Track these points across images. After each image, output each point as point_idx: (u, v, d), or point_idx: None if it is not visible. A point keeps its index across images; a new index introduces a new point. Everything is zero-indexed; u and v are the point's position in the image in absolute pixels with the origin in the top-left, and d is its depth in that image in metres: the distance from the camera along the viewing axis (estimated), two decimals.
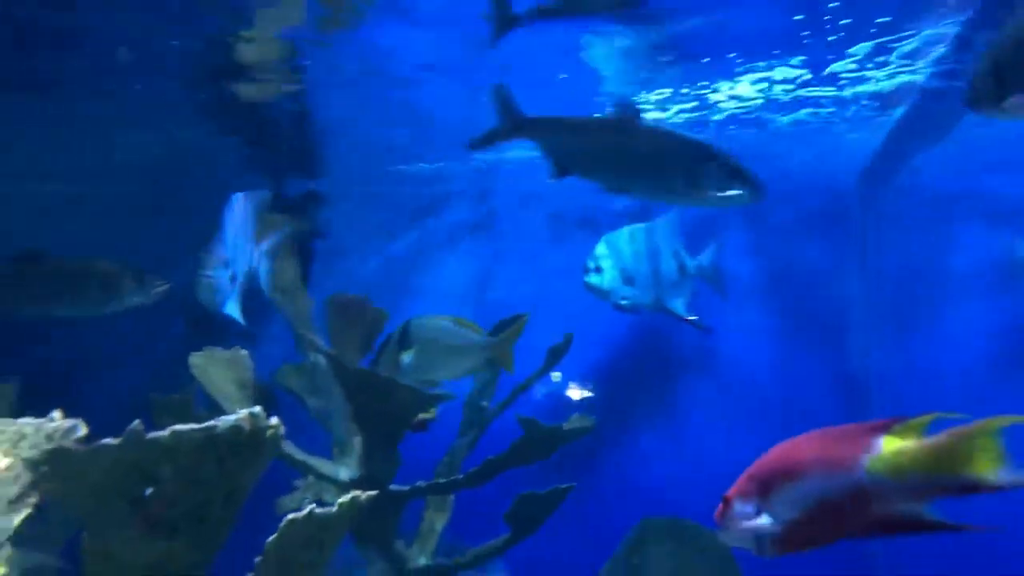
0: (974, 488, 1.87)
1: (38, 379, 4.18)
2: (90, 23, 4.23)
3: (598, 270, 4.74)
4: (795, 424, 2.27)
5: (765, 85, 5.37)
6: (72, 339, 5.65)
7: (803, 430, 2.14)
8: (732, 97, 5.69)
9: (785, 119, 6.23)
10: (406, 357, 3.99)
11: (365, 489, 4.19)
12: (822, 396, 7.07)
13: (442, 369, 4.07)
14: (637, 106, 3.99)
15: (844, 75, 5.27)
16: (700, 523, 4.09)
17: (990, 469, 1.85)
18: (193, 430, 1.88)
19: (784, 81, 5.36)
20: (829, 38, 4.77)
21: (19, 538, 2.35)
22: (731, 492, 2.13)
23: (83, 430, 2.48)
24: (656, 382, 7.52)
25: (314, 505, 2.28)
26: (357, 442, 4.33)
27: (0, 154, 6.18)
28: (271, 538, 2.24)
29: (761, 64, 5.08)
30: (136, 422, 1.81)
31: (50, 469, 1.85)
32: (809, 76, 5.31)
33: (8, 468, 2.36)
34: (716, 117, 6.24)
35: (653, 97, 5.69)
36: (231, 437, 1.94)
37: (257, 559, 2.24)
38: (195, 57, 4.82)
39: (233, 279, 4.46)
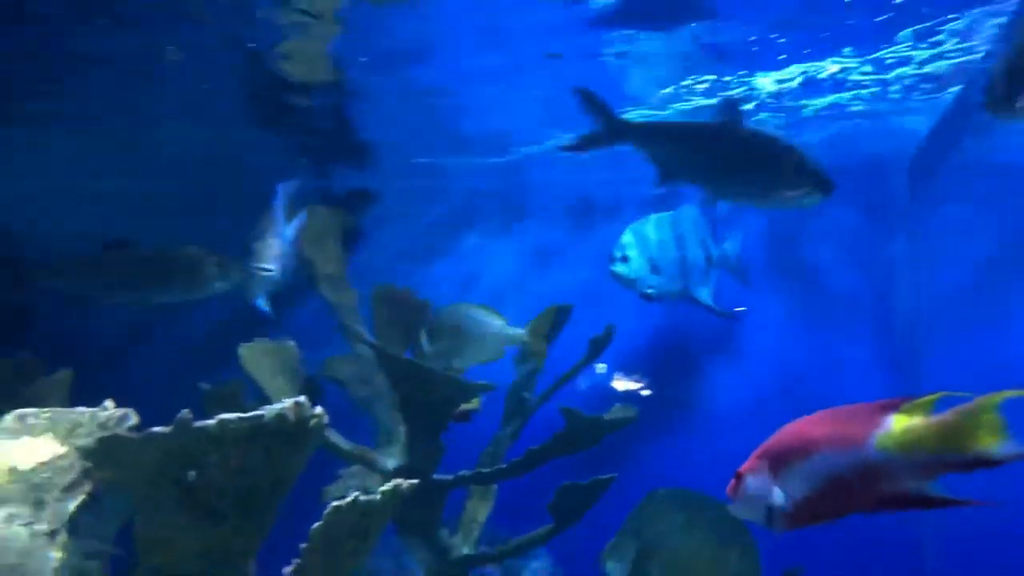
0: (978, 463, 1.94)
1: (90, 367, 4.28)
2: (141, 17, 4.30)
3: (624, 259, 4.67)
4: None
5: (810, 66, 5.26)
6: (125, 327, 5.79)
7: None
8: (776, 83, 5.59)
9: (826, 101, 6.10)
10: (428, 344, 4.04)
11: (409, 478, 4.29)
12: (869, 388, 6.96)
13: (463, 356, 4.10)
14: (740, 108, 3.92)
15: (893, 57, 5.17)
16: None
17: (992, 443, 1.92)
18: (240, 419, 1.92)
19: (832, 64, 5.27)
20: (877, 18, 4.69)
21: (74, 524, 2.44)
22: (744, 468, 2.21)
23: (134, 419, 2.56)
24: (697, 373, 7.45)
25: (358, 493, 2.32)
26: (402, 431, 4.38)
27: (57, 152, 6.36)
28: (316, 525, 2.29)
29: (806, 50, 5.00)
30: (184, 411, 1.87)
31: (103, 456, 1.91)
32: (855, 60, 5.21)
33: (63, 456, 2.44)
34: (750, 106, 6.18)
35: (699, 86, 5.63)
36: (277, 426, 1.98)
37: (303, 546, 2.28)
38: (245, 53, 4.88)
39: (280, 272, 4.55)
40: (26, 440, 2.44)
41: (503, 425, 4.85)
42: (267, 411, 1.97)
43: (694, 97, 5.72)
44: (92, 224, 5.88)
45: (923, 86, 5.76)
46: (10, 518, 2.30)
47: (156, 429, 1.87)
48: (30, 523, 2.31)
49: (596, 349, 4.74)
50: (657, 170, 3.98)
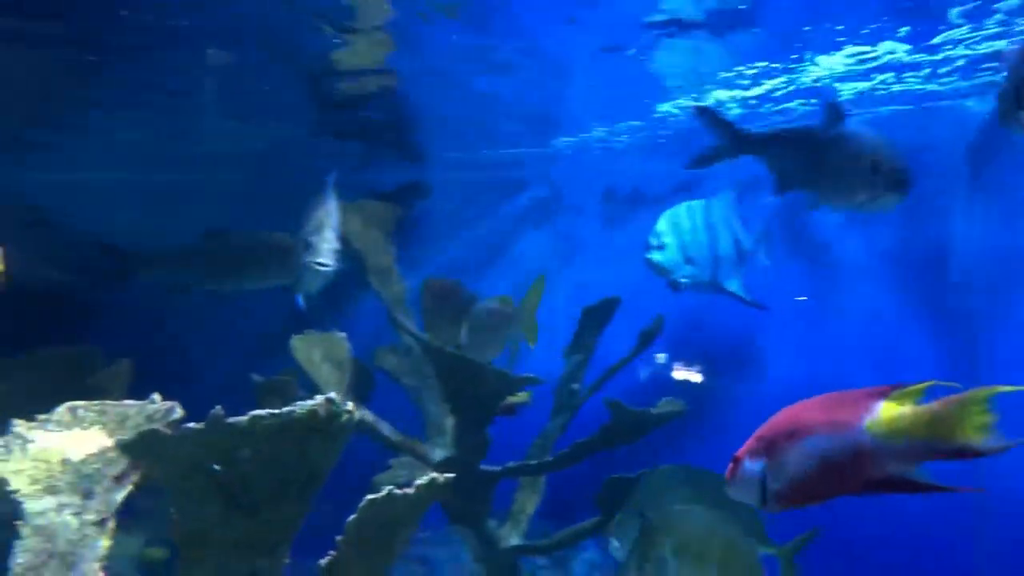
0: (963, 452, 2.02)
1: (148, 359, 4.40)
2: (193, 20, 4.40)
3: (661, 247, 4.54)
4: None
5: (867, 49, 5.11)
6: (188, 318, 5.95)
7: None
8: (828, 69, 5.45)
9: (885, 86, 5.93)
10: (467, 337, 4.09)
11: (456, 469, 4.33)
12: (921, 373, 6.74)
13: (488, 348, 4.14)
14: (845, 110, 3.86)
15: (949, 40, 5.00)
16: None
17: (978, 435, 2.00)
18: (271, 415, 1.97)
19: (887, 51, 5.12)
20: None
21: (136, 511, 2.53)
22: (741, 451, 2.28)
23: (179, 412, 2.64)
24: (751, 364, 7.33)
25: (392, 487, 2.35)
26: (449, 423, 4.43)
27: (117, 147, 6.55)
28: (351, 518, 2.33)
29: (864, 31, 4.85)
30: (217, 408, 1.92)
31: (139, 451, 1.98)
32: (909, 46, 5.06)
33: (112, 447, 2.53)
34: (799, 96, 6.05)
35: (749, 71, 5.52)
36: (308, 421, 2.02)
37: (338, 538, 2.33)
38: (301, 51, 4.94)
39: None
40: (77, 432, 2.54)
41: (552, 417, 4.85)
42: (298, 407, 2.01)
43: (748, 84, 5.63)
44: (158, 217, 6.06)
45: (984, 66, 5.56)
46: (61, 507, 2.39)
47: (190, 424, 1.92)
48: (79, 512, 2.40)
49: (646, 340, 4.70)
50: (775, 180, 3.97)
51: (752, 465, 2.23)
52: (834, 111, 3.84)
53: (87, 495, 2.44)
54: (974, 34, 4.94)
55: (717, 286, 4.75)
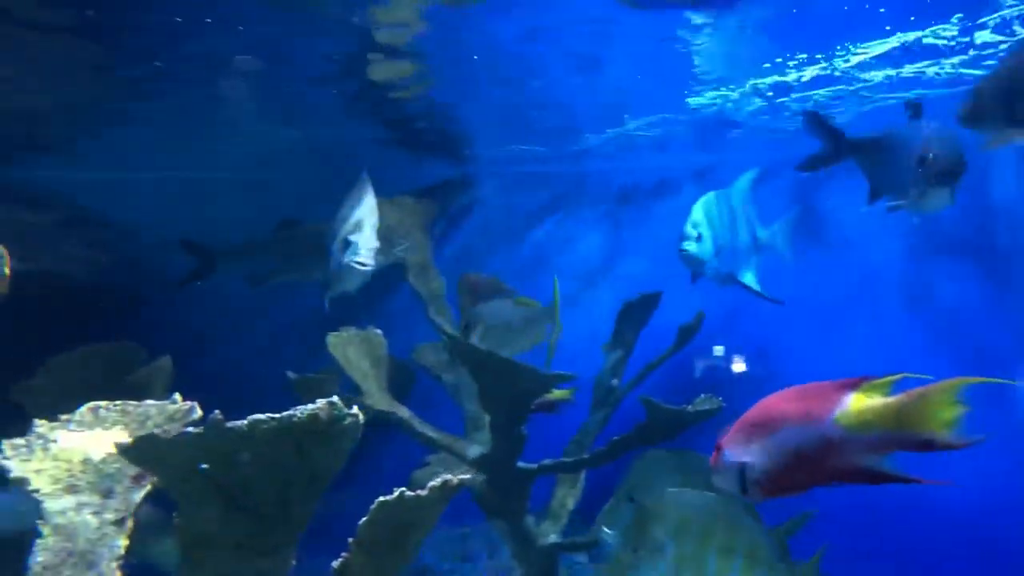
0: (929, 445, 2.02)
1: (193, 355, 4.47)
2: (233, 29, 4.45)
3: (699, 238, 4.37)
4: None
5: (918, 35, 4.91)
6: (231, 315, 6.05)
7: None
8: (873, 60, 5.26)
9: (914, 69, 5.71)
10: (479, 338, 4.08)
11: (492, 466, 4.32)
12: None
13: (506, 347, 4.12)
14: (921, 108, 3.77)
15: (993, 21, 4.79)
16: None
17: (945, 428, 2.00)
18: (270, 418, 1.97)
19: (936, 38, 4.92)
20: None
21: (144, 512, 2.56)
22: (723, 441, 2.33)
23: (198, 412, 2.66)
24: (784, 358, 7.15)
25: (404, 489, 2.34)
26: (486, 419, 4.41)
27: (172, 146, 6.67)
28: (363, 520, 2.32)
29: (911, 18, 4.67)
30: (215, 412, 1.92)
31: (138, 454, 1.99)
32: (955, 31, 4.84)
33: None
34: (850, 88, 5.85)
35: (791, 62, 5.36)
36: (309, 425, 2.02)
37: (350, 540, 2.32)
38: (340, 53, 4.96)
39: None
40: (98, 432, 2.58)
41: (591, 413, 4.80)
42: (299, 410, 2.01)
43: (789, 71, 5.48)
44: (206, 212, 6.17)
45: None
46: (81, 506, 2.43)
47: (188, 428, 1.93)
48: (99, 512, 2.44)
49: (686, 336, 4.62)
50: (870, 187, 3.93)
51: (732, 455, 2.29)
52: (915, 110, 3.74)
53: (107, 494, 2.48)
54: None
55: (734, 278, 4.61)
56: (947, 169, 3.37)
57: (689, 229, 4.30)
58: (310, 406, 2.04)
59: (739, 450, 2.27)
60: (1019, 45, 4.55)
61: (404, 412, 4.30)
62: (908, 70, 5.53)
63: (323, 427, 2.03)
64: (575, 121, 6.51)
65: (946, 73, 5.59)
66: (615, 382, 4.78)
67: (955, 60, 5.38)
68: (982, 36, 4.97)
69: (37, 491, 2.38)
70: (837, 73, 5.51)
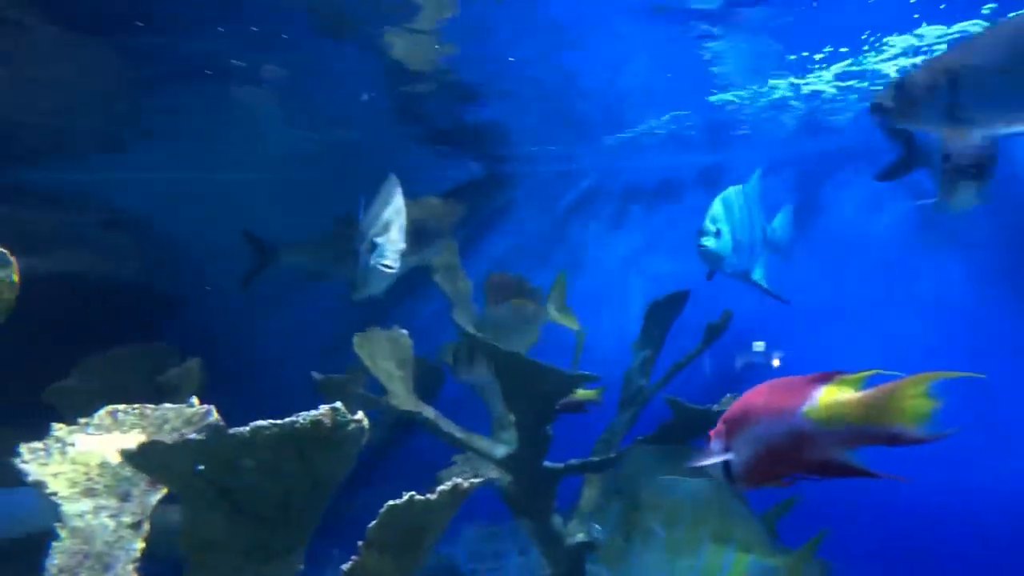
0: (897, 439, 2.02)
1: (224, 356, 4.53)
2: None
3: (718, 234, 4.28)
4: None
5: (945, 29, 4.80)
6: (262, 317, 6.11)
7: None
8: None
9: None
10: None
11: (518, 466, 4.31)
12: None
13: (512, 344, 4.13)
14: None
15: None
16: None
17: (913, 423, 1.99)
18: (272, 424, 1.98)
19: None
20: None
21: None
22: (712, 432, 2.39)
23: (215, 415, 2.69)
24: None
25: (413, 492, 2.34)
26: (512, 419, 4.40)
27: (208, 147, 6.77)
28: (373, 523, 2.33)
29: (942, 6, 4.56)
30: (217, 418, 1.94)
31: (142, 460, 2.02)
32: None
33: None
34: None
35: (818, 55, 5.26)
36: (311, 431, 2.02)
37: (360, 543, 2.33)
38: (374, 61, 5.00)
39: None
40: (116, 435, 2.62)
41: (619, 412, 4.77)
42: (301, 417, 2.02)
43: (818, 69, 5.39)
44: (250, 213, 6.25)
45: None
46: (98, 509, 2.47)
47: (190, 435, 1.95)
48: (116, 515, 2.48)
49: (713, 335, 4.57)
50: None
51: (717, 446, 2.34)
52: None
53: (124, 498, 2.51)
54: None
55: (747, 276, 4.53)
56: (972, 164, 3.27)
57: (708, 224, 4.23)
58: (313, 412, 2.04)
59: (724, 442, 2.33)
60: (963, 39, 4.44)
61: (430, 412, 4.30)
62: None
63: (326, 433, 2.04)
64: (610, 115, 6.48)
65: None
66: (643, 381, 4.75)
67: None
68: None
69: (55, 494, 2.42)
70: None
